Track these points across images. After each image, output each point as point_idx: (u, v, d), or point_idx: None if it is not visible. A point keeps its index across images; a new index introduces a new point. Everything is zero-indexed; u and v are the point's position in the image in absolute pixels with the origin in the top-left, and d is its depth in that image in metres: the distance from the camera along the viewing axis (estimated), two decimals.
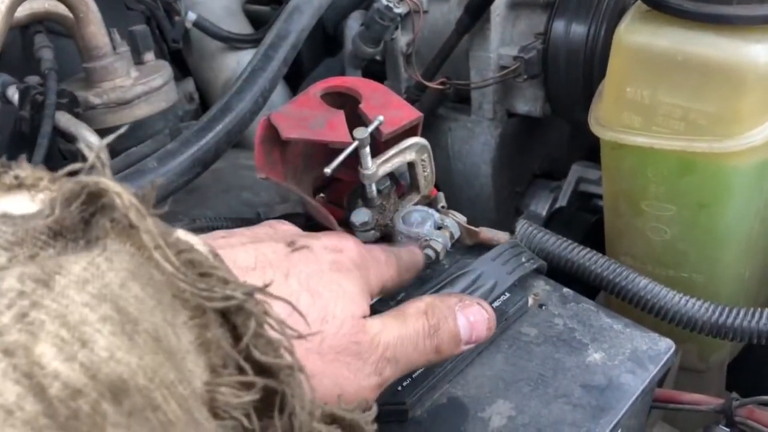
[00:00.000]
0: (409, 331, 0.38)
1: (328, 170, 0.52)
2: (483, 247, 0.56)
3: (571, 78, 0.74)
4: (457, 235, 0.56)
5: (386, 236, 0.58)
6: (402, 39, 0.82)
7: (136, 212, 0.23)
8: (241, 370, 0.25)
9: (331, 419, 0.29)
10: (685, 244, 0.58)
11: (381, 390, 0.37)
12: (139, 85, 0.76)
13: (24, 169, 0.25)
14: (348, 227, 0.58)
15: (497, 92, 0.80)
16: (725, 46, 0.50)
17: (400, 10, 0.76)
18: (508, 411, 0.44)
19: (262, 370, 0.25)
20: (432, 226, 0.56)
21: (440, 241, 0.54)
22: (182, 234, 0.25)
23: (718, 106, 0.51)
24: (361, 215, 0.57)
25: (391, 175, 0.58)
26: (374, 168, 0.55)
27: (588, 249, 0.54)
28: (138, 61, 0.80)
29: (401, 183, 0.60)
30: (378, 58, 0.85)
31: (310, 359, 0.33)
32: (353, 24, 0.85)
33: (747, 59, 0.50)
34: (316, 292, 0.35)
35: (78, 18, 0.72)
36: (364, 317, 0.37)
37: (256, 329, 0.25)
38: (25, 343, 0.19)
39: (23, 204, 0.24)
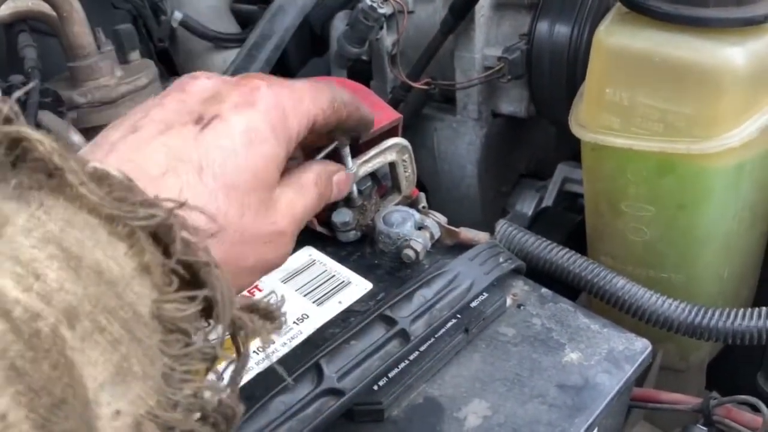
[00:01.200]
0: (307, 201, 0.42)
1: (318, 157, 0.52)
2: (463, 248, 0.56)
3: (555, 78, 0.74)
4: (437, 235, 0.57)
5: (367, 236, 0.58)
6: (387, 39, 0.82)
7: (58, 156, 0.26)
8: (182, 286, 0.28)
9: (249, 308, 0.31)
10: (665, 244, 0.59)
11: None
12: (123, 84, 0.76)
13: None
14: (329, 227, 0.58)
15: (482, 92, 0.80)
16: (702, 49, 0.51)
17: (384, 10, 0.76)
18: (483, 411, 0.45)
19: (195, 280, 0.28)
20: (412, 226, 0.56)
21: (420, 242, 0.54)
22: (98, 164, 0.28)
23: (695, 108, 0.52)
24: (342, 215, 0.57)
25: (373, 176, 0.58)
26: (355, 168, 0.55)
27: (567, 249, 0.54)
28: (123, 60, 0.80)
29: (383, 183, 0.60)
30: (364, 57, 0.86)
31: (234, 250, 0.35)
32: (339, 24, 0.85)
33: (724, 61, 0.50)
34: (232, 185, 0.35)
35: (62, 17, 0.72)
36: (274, 191, 0.39)
37: (180, 239, 0.28)
38: None
39: None
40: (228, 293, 0.29)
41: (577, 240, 0.72)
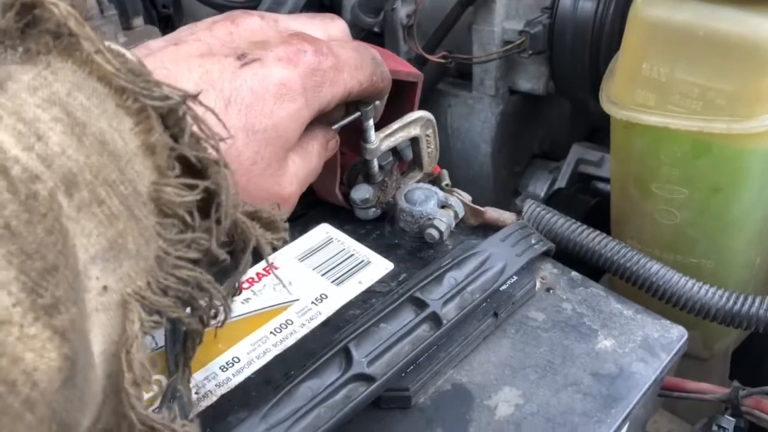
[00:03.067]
0: (310, 169, 0.43)
1: (335, 127, 0.49)
2: (488, 228, 0.54)
3: (577, 55, 0.72)
4: (461, 214, 0.54)
5: (387, 214, 0.56)
6: (402, 10, 0.79)
7: (74, 21, 0.25)
8: (184, 173, 0.27)
9: (251, 216, 0.31)
10: (696, 229, 0.56)
11: None
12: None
13: None
14: (348, 203, 0.55)
15: (500, 68, 0.78)
16: (748, 22, 0.48)
17: None
18: (515, 399, 0.42)
19: (199, 172, 0.28)
20: (436, 204, 0.53)
21: (444, 221, 0.52)
22: (114, 45, 0.26)
23: (738, 85, 0.49)
24: (361, 192, 0.54)
25: (394, 151, 0.55)
26: (377, 142, 0.52)
27: (598, 232, 0.52)
28: (126, 26, 0.77)
29: (403, 160, 0.57)
30: (376, 30, 0.82)
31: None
32: None
33: None
34: (252, 130, 0.35)
35: None
36: (288, 152, 0.39)
37: (191, 130, 0.27)
38: None
39: None
40: (233, 194, 0.29)
41: (591, 223, 0.70)
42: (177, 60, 0.33)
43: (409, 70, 0.53)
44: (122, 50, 0.26)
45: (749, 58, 0.48)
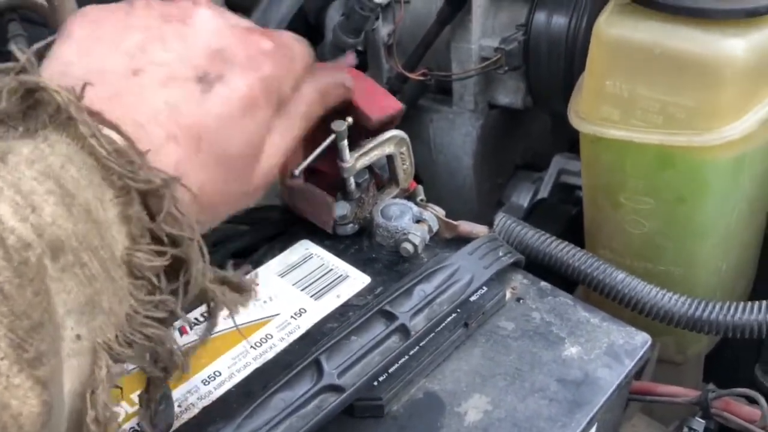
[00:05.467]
0: (291, 137, 0.42)
1: (295, 171, 0.52)
2: (462, 241, 0.56)
3: (552, 70, 0.74)
4: (435, 228, 0.56)
5: (365, 229, 0.58)
6: (383, 29, 0.81)
7: (75, 107, 0.28)
8: (154, 241, 0.30)
9: (221, 281, 0.34)
10: (663, 237, 0.58)
11: None
12: None
13: None
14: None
15: (479, 84, 0.80)
16: (704, 40, 0.50)
17: (380, 0, 0.75)
18: (484, 405, 0.44)
19: (170, 241, 0.31)
20: (411, 219, 0.55)
21: (418, 235, 0.54)
22: (106, 130, 0.30)
23: (696, 100, 0.51)
24: (339, 208, 0.56)
25: (370, 168, 0.58)
26: (353, 161, 0.54)
27: (566, 243, 0.54)
28: None
29: (378, 174, 0.60)
30: (359, 48, 0.85)
31: (213, 208, 0.37)
32: (334, 14, 0.84)
33: (725, 53, 0.50)
34: (224, 155, 0.36)
35: (53, 6, 0.71)
36: (260, 153, 0.40)
37: (167, 209, 0.30)
38: None
39: None
40: (202, 266, 0.32)
41: (573, 232, 0.72)
42: (141, 97, 0.33)
43: (397, 107, 0.56)
44: (113, 136, 0.29)
45: (704, 74, 0.50)
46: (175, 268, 0.31)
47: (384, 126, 0.55)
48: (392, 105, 0.56)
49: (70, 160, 0.27)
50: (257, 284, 0.35)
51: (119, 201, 0.29)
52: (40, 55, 0.34)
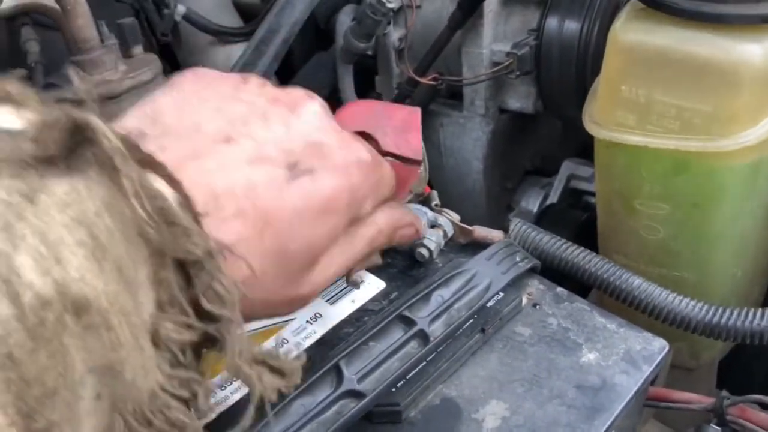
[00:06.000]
0: (350, 257, 0.39)
1: None
2: (477, 246, 0.56)
3: (564, 75, 0.74)
4: (450, 233, 0.56)
5: None
6: (394, 34, 0.81)
7: (120, 155, 0.25)
8: (183, 312, 0.27)
9: (261, 362, 0.30)
10: (678, 243, 0.58)
11: None
12: (127, 78, 0.75)
13: (12, 84, 0.25)
14: None
15: (489, 88, 0.80)
16: (721, 45, 0.50)
17: (392, 5, 0.75)
18: (502, 412, 0.44)
19: (205, 316, 0.28)
20: (426, 224, 0.55)
21: (434, 240, 0.54)
22: (159, 184, 0.27)
23: (713, 106, 0.51)
24: None
25: None
26: None
27: (582, 248, 0.54)
28: (126, 54, 0.79)
29: None
30: (370, 53, 0.85)
31: (253, 306, 0.32)
32: (344, 18, 0.85)
33: (742, 58, 0.50)
34: (285, 252, 0.33)
35: (65, 10, 0.71)
36: (319, 261, 0.37)
37: (209, 283, 0.27)
38: (7, 252, 0.21)
39: (7, 118, 0.24)
40: (242, 351, 0.28)
41: (582, 237, 0.72)
42: (224, 166, 0.31)
43: (414, 149, 0.47)
44: (162, 193, 0.26)
45: (722, 79, 0.50)
46: (205, 342, 0.28)
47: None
48: (414, 126, 0.47)
49: (107, 208, 0.24)
50: (304, 362, 0.32)
51: (152, 262, 0.26)
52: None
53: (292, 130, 0.35)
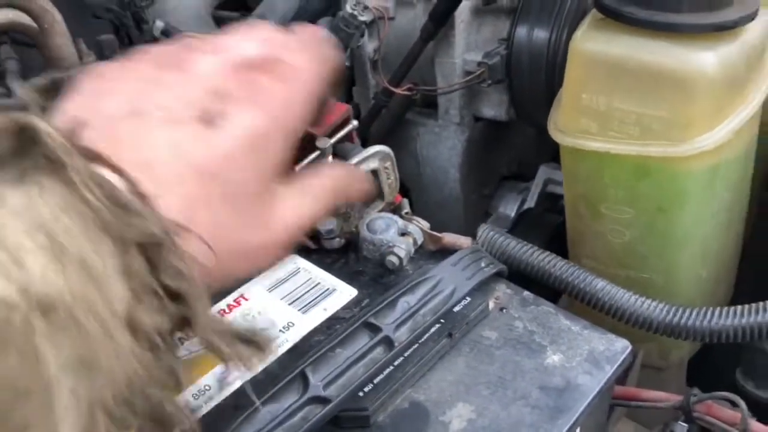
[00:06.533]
0: (316, 208, 0.40)
1: (297, 168, 0.53)
2: (446, 253, 0.57)
3: (534, 82, 0.75)
4: (420, 241, 0.57)
5: (351, 243, 0.59)
6: (369, 45, 0.83)
7: (64, 150, 0.26)
8: (157, 296, 0.28)
9: (234, 336, 0.31)
10: (644, 246, 0.60)
11: None
12: None
13: None
14: (313, 235, 0.59)
15: (463, 97, 0.81)
16: (676, 54, 0.52)
17: (365, 17, 0.77)
18: (468, 414, 0.45)
19: (173, 295, 0.28)
20: (396, 232, 0.56)
21: (403, 248, 0.55)
22: (106, 172, 0.28)
23: (670, 112, 0.53)
24: (326, 223, 0.57)
25: None
26: None
27: (547, 252, 0.55)
28: None
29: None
30: (347, 63, 0.86)
31: (225, 262, 0.34)
32: None
33: (696, 66, 0.51)
34: (235, 195, 0.34)
35: (43, 29, 0.72)
36: (276, 195, 0.37)
37: (169, 262, 0.28)
38: None
39: None
40: (210, 321, 0.29)
41: (559, 241, 0.73)
42: (145, 138, 0.32)
43: (340, 110, 0.55)
44: (109, 180, 0.27)
45: (677, 87, 0.52)
46: (179, 323, 0.29)
47: (335, 131, 0.56)
48: (338, 109, 0.55)
49: (63, 209, 0.25)
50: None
51: (118, 252, 0.27)
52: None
53: (189, 86, 0.35)
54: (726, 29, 0.51)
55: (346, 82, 0.91)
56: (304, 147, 0.53)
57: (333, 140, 0.54)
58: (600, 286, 0.53)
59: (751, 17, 0.52)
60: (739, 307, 0.49)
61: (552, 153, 0.95)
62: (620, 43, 0.54)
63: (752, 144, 0.60)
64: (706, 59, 0.51)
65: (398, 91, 0.80)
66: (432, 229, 0.60)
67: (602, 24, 0.55)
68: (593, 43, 0.55)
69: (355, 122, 0.57)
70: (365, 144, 0.69)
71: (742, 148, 0.58)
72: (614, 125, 0.55)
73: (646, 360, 0.64)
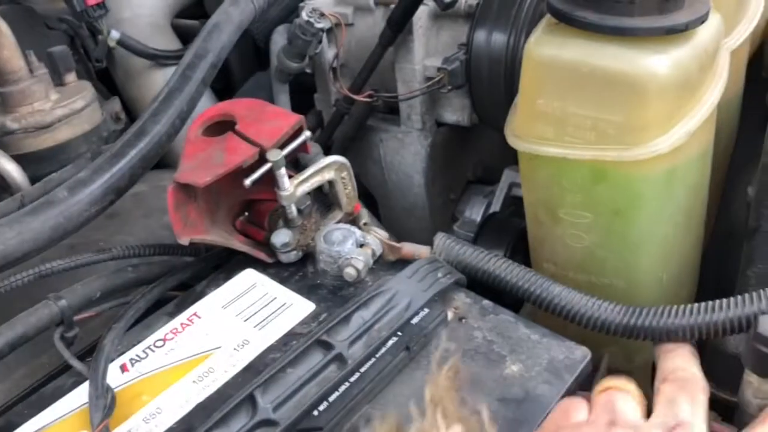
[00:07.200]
0: None
1: (247, 182, 0.53)
2: (406, 263, 0.56)
3: (494, 86, 0.75)
4: (378, 252, 0.57)
5: (309, 255, 0.58)
6: (329, 52, 0.82)
7: None
8: None
9: None
10: (603, 250, 0.59)
11: None
12: (59, 107, 0.75)
13: None
14: (269, 248, 0.57)
15: (425, 103, 0.81)
16: (628, 58, 0.51)
17: (321, 24, 0.76)
18: None
19: None
20: (354, 244, 0.56)
21: (361, 259, 0.54)
22: None
23: (624, 116, 0.52)
24: (281, 236, 0.56)
25: (318, 192, 0.58)
26: (292, 189, 0.55)
27: (504, 259, 0.55)
28: (59, 82, 0.78)
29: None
30: (308, 70, 0.85)
31: None
32: (278, 39, 0.85)
33: (648, 70, 0.51)
34: None
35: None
36: None
37: None
38: None
39: None
40: None
41: (525, 245, 0.73)
42: None
43: (290, 124, 0.56)
44: None
45: (630, 91, 0.51)
46: None
47: (289, 140, 0.56)
48: (285, 123, 0.56)
49: None
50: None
51: None
52: None
53: None
54: (677, 32, 0.51)
55: (308, 89, 0.90)
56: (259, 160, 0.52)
57: (285, 152, 0.53)
58: (557, 291, 0.52)
59: (701, 20, 0.52)
60: (694, 305, 0.49)
61: (516, 156, 0.94)
62: (573, 47, 0.53)
63: (709, 146, 0.60)
64: (658, 62, 0.51)
65: (358, 98, 0.79)
66: (398, 235, 0.60)
67: (556, 29, 0.55)
68: (547, 48, 0.54)
69: (308, 133, 0.57)
70: (328, 152, 0.69)
71: (698, 151, 0.57)
72: (570, 130, 0.55)
73: (612, 363, 0.64)
